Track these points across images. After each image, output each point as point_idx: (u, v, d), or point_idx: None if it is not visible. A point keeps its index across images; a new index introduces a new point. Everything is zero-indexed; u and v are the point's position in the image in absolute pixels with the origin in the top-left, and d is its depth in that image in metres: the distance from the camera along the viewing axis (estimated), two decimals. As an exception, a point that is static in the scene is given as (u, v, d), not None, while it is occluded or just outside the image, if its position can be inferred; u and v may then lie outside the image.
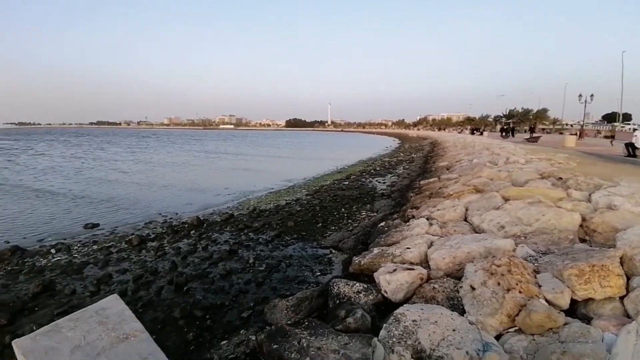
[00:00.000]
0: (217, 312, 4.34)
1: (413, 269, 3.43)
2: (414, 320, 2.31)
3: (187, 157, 29.32)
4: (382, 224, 6.86)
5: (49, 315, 4.31)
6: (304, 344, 2.68)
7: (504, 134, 35.82)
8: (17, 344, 1.29)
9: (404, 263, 3.83)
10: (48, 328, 1.43)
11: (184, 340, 3.70)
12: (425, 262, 3.92)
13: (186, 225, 8.39)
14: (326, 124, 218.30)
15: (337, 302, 3.78)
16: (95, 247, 7.02)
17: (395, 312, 2.53)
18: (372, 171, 18.77)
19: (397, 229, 5.53)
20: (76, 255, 6.58)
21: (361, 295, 3.70)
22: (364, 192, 12.53)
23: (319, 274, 5.58)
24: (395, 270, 3.48)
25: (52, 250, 6.85)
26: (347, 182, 14.86)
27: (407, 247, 4.15)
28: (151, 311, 4.39)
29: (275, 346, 2.77)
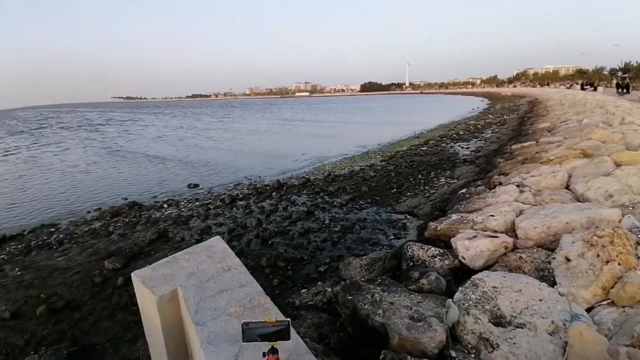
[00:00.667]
0: (297, 264, 4.78)
1: (497, 237, 3.22)
2: (494, 287, 2.23)
3: (267, 125, 31.07)
4: (463, 190, 6.46)
5: (162, 257, 5.29)
6: (377, 298, 2.82)
7: (620, 90, 29.16)
8: (136, 275, 1.62)
9: (485, 230, 3.61)
10: (167, 260, 1.80)
11: (270, 285, 4.21)
12: (511, 231, 3.63)
13: (268, 188, 9.14)
14: (404, 86, 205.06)
15: (411, 264, 3.81)
16: (197, 203, 8.19)
17: (473, 277, 2.46)
18: (454, 136, 17.39)
19: (480, 196, 5.17)
20: (183, 209, 7.78)
21: (436, 259, 3.66)
22: (444, 157, 11.79)
23: (392, 237, 5.63)
24: (475, 236, 3.32)
25: (165, 205, 8.20)
26: (425, 148, 14.12)
27: (491, 214, 3.88)
28: (242, 258, 5.00)
29: (349, 297, 2.97)
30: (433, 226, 4.47)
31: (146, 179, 11.35)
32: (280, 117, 41.61)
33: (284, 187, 9.13)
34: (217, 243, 1.90)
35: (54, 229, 7.00)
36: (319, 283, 4.18)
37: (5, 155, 17.58)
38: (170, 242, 5.95)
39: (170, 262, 1.69)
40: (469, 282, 2.41)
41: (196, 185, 10.10)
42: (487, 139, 15.76)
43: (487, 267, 3.12)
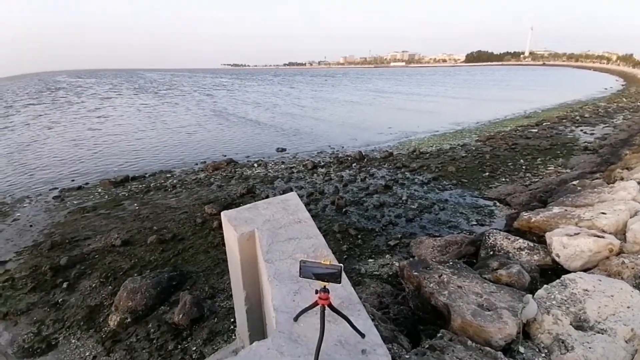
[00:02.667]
0: (367, 235, 4.84)
1: (603, 237, 2.73)
2: (585, 290, 1.94)
3: (357, 96, 30.70)
4: (575, 182, 5.53)
5: (253, 210, 5.90)
6: (445, 279, 2.71)
7: None
8: (225, 214, 1.89)
9: (592, 229, 3.07)
10: (249, 206, 2.03)
11: (339, 250, 4.39)
12: (621, 233, 3.02)
13: (349, 158, 9.22)
14: (522, 56, 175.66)
15: (491, 253, 3.52)
16: (282, 166, 8.80)
17: (564, 276, 2.17)
18: (576, 118, 14.60)
19: (595, 190, 4.35)
20: (270, 170, 8.46)
21: (523, 252, 3.30)
22: (558, 142, 10.09)
23: (474, 223, 5.20)
24: (577, 234, 2.86)
25: (255, 165, 9.03)
26: (535, 130, 12.24)
27: (602, 211, 3.26)
28: (317, 222, 5.27)
29: (415, 273, 2.93)
30: (526, 216, 3.99)
31: (242, 140, 12.55)
32: (371, 88, 40.58)
33: (365, 159, 9.10)
34: (292, 197, 2.06)
35: (169, 175, 8.40)
36: (387, 256, 4.19)
37: (139, 110, 21.33)
38: (256, 197, 6.59)
39: (252, 208, 1.92)
40: (557, 281, 2.13)
41: (284, 150, 10.79)
42: (616, 125, 12.85)
43: (585, 269, 2.69)
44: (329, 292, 1.08)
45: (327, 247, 1.59)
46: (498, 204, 5.91)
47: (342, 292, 1.30)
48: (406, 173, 7.80)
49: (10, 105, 25.24)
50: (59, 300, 3.61)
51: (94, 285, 3.83)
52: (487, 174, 7.52)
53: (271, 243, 1.61)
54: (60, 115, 19.75)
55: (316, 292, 1.09)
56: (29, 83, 64.96)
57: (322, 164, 8.91)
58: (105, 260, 4.34)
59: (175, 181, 7.84)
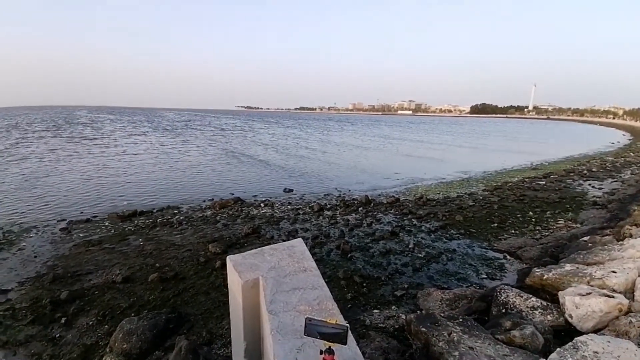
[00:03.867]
0: (373, 283, 4.70)
1: (613, 297, 2.63)
2: (595, 352, 1.86)
3: (365, 140, 31.46)
4: (586, 238, 5.41)
5: (256, 251, 5.84)
6: (454, 338, 2.59)
7: None
8: (230, 259, 1.90)
9: (603, 288, 2.97)
10: (255, 251, 2.04)
11: (343, 298, 4.25)
12: (630, 292, 2.91)
13: (356, 202, 9.24)
14: (525, 109, 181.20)
15: (503, 311, 3.37)
16: (289, 207, 8.83)
17: (577, 338, 2.07)
18: (584, 172, 14.63)
19: (605, 247, 4.24)
20: (276, 211, 8.48)
21: (536, 312, 3.17)
22: (567, 196, 10.02)
23: (484, 276, 5.04)
24: (589, 294, 2.76)
25: (262, 205, 9.08)
26: (542, 182, 12.25)
27: (612, 270, 3.17)
28: (321, 266, 5.21)
29: (423, 329, 2.80)
30: (539, 273, 3.86)
31: (251, 179, 12.75)
32: (379, 134, 41.67)
33: (372, 204, 9.10)
34: (298, 244, 2.07)
35: (177, 211, 8.45)
36: (393, 307, 4.03)
37: (154, 147, 22.05)
38: (261, 238, 6.54)
39: (257, 254, 1.92)
40: (570, 344, 2.03)
41: (290, 190, 10.89)
42: (624, 180, 12.80)
43: (596, 330, 2.57)
44: (334, 354, 1.06)
45: (332, 300, 1.57)
46: (508, 257, 5.75)
47: (348, 352, 1.27)
48: (413, 220, 7.74)
49: (31, 135, 26.37)
50: (57, 336, 3.51)
51: (91, 322, 3.72)
52: (495, 224, 7.41)
53: (275, 292, 1.59)
54: (76, 148, 20.49)
55: (320, 352, 1.07)
56: (52, 115, 68.38)
57: (329, 206, 8.92)
58: (105, 297, 4.25)
59: (182, 217, 7.87)
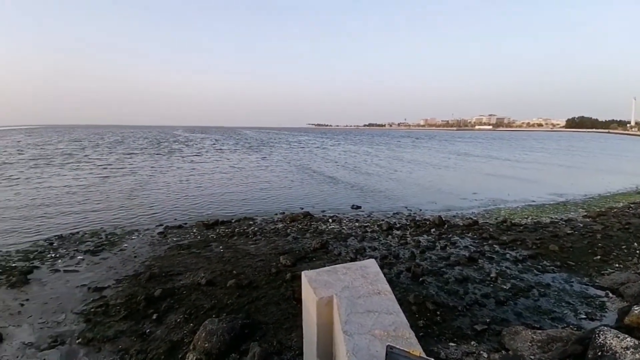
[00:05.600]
0: (448, 312, 4.34)
1: None
2: None
3: (438, 157, 29.91)
4: None
5: (321, 266, 5.86)
6: (550, 388, 2.24)
7: None
8: (305, 274, 1.94)
9: None
10: (328, 269, 2.06)
11: (414, 324, 4.00)
12: None
13: (427, 222, 8.76)
14: (628, 125, 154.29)
15: (599, 354, 2.84)
16: (357, 224, 8.78)
17: None
18: None
19: None
20: (344, 227, 8.50)
21: (628, 352, 2.63)
22: (696, 228, 8.08)
23: (583, 316, 4.30)
24: None
25: (330, 220, 9.19)
26: (660, 209, 10.10)
27: None
28: (390, 288, 5.03)
29: (509, 372, 2.49)
30: (637, 311, 3.23)
31: (319, 194, 13.05)
32: (454, 150, 39.27)
33: (446, 225, 8.53)
34: (371, 265, 2.04)
35: (252, 222, 9.04)
36: (472, 342, 3.66)
37: (235, 161, 24.15)
38: (329, 253, 6.59)
39: (331, 272, 1.94)
40: None
41: (358, 207, 10.83)
42: None
43: None
44: None
45: (409, 328, 1.49)
46: (610, 294, 4.84)
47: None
48: (495, 246, 7.02)
49: (137, 151, 31.19)
50: (147, 331, 3.96)
51: (178, 320, 4.14)
52: (598, 257, 6.30)
53: (350, 313, 1.58)
54: (173, 162, 23.55)
55: None
56: (155, 134, 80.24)
57: (398, 225, 8.62)
58: (191, 297, 4.70)
59: (256, 228, 8.39)
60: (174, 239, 7.55)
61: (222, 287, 5.05)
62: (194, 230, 8.24)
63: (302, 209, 10.54)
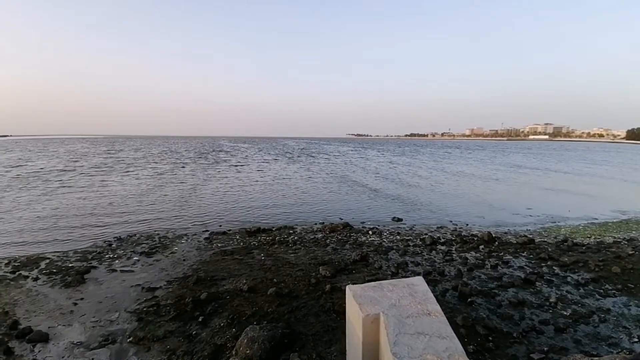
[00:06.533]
0: (501, 338, 4.00)
1: None
2: None
3: (486, 169, 28.30)
4: None
5: (361, 279, 5.74)
6: None
7: None
8: (350, 289, 1.89)
9: None
10: (374, 284, 1.99)
11: (464, 350, 3.74)
12: None
13: (475, 239, 8.25)
14: None
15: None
16: (398, 237, 8.51)
17: None
18: None
19: None
20: (385, 240, 8.28)
21: None
22: None
23: (635, 340, 3.88)
24: None
25: (370, 232, 9.01)
26: None
27: None
28: (435, 307, 4.76)
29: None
30: None
31: (359, 205, 12.89)
32: (506, 162, 36.93)
33: (496, 242, 7.96)
34: (419, 283, 1.94)
35: (292, 232, 9.15)
36: (529, 373, 3.33)
37: (275, 170, 24.79)
38: (369, 267, 6.44)
39: (377, 288, 1.88)
40: None
41: (399, 220, 10.51)
42: None
43: None
44: None
45: (466, 356, 1.38)
46: None
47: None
48: (554, 268, 6.41)
49: (186, 160, 33.24)
50: (193, 333, 4.12)
51: (222, 324, 4.26)
52: (668, 282, 5.50)
53: (398, 333, 1.51)
54: (219, 170, 24.75)
55: None
56: (203, 143, 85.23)
57: (442, 240, 8.22)
58: (234, 303, 4.82)
59: (295, 238, 8.46)
60: (219, 245, 7.85)
61: (263, 294, 5.12)
62: (237, 237, 8.51)
63: (342, 219, 10.47)
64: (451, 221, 10.42)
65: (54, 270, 6.19)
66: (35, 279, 5.81)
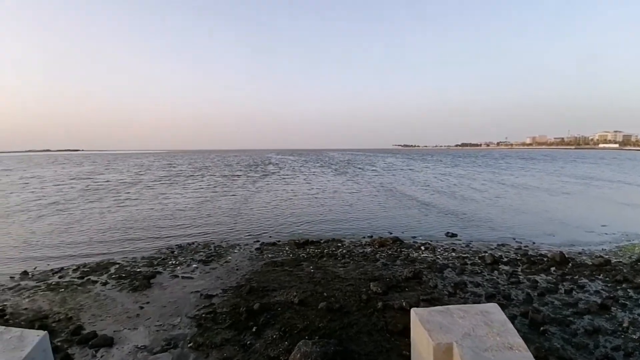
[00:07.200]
0: (580, 373, 3.52)
1: None
2: None
3: (551, 181, 25.77)
4: None
5: (415, 298, 5.43)
6: None
7: None
8: (416, 312, 1.77)
9: None
10: (441, 309, 1.85)
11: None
12: None
13: (545, 259, 7.47)
14: None
15: None
16: (453, 254, 8.00)
17: None
18: None
19: None
20: (439, 256, 7.84)
21: None
22: None
23: None
24: None
25: (422, 247, 8.59)
26: None
27: None
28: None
29: None
30: None
31: (409, 219, 12.42)
32: (574, 173, 33.38)
33: (569, 264, 7.13)
34: (495, 310, 1.76)
35: (340, 244, 9.06)
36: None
37: (321, 181, 24.98)
38: (423, 285, 6.10)
39: (445, 313, 1.74)
40: None
41: (454, 235, 9.91)
42: None
43: None
44: None
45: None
46: None
47: None
48: (629, 290, 5.59)
49: (238, 172, 34.90)
50: (247, 343, 4.19)
51: (274, 336, 4.29)
52: None
53: (477, 367, 1.36)
54: (267, 182, 25.60)
55: None
56: (254, 157, 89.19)
57: (505, 260, 7.56)
58: (285, 315, 4.85)
59: (344, 251, 8.36)
60: (269, 256, 8.03)
61: (313, 308, 5.08)
62: (286, 248, 8.64)
63: (391, 233, 10.16)
64: (514, 239, 9.57)
65: (123, 275, 6.76)
66: (104, 284, 6.35)
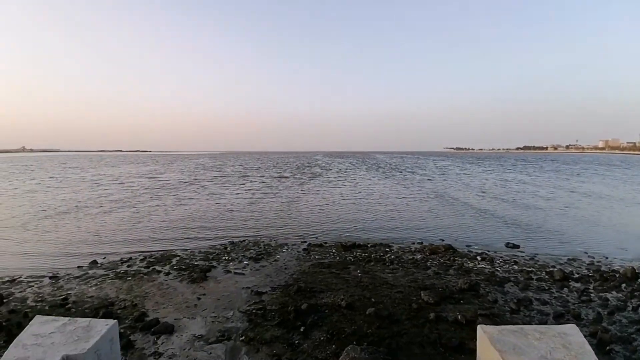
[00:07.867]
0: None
1: None
2: None
3: (630, 191, 22.64)
4: None
5: (473, 312, 5.05)
6: None
7: None
8: (484, 330, 1.62)
9: None
10: (514, 328, 1.68)
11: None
12: None
13: (617, 275, 6.59)
14: None
15: None
16: (515, 267, 7.36)
17: None
18: None
19: None
20: (498, 268, 7.26)
21: None
22: None
23: None
24: None
25: (478, 258, 8.03)
26: None
27: None
28: None
29: None
30: None
31: (463, 227, 11.71)
32: (656, 181, 29.02)
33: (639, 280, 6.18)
34: (574, 333, 1.55)
35: (388, 249, 8.82)
36: None
37: (367, 184, 24.61)
38: (480, 298, 5.69)
39: (518, 333, 1.57)
40: None
41: (516, 246, 9.13)
42: None
43: None
44: None
45: None
46: None
47: None
48: None
49: (287, 173, 35.79)
50: (296, 342, 4.24)
51: (322, 338, 4.28)
52: None
53: (558, 397, 1.21)
54: (315, 184, 25.88)
55: None
56: (301, 158, 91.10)
57: (576, 276, 6.77)
58: (332, 318, 4.83)
59: (392, 257, 8.12)
60: (316, 257, 8.08)
61: (361, 313, 4.99)
62: (333, 250, 8.63)
63: (443, 240, 9.66)
64: (586, 253, 8.55)
65: (183, 267, 7.26)
66: (167, 274, 6.87)
